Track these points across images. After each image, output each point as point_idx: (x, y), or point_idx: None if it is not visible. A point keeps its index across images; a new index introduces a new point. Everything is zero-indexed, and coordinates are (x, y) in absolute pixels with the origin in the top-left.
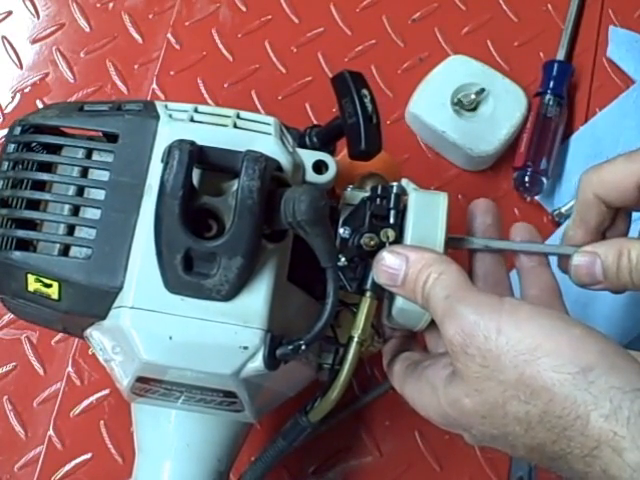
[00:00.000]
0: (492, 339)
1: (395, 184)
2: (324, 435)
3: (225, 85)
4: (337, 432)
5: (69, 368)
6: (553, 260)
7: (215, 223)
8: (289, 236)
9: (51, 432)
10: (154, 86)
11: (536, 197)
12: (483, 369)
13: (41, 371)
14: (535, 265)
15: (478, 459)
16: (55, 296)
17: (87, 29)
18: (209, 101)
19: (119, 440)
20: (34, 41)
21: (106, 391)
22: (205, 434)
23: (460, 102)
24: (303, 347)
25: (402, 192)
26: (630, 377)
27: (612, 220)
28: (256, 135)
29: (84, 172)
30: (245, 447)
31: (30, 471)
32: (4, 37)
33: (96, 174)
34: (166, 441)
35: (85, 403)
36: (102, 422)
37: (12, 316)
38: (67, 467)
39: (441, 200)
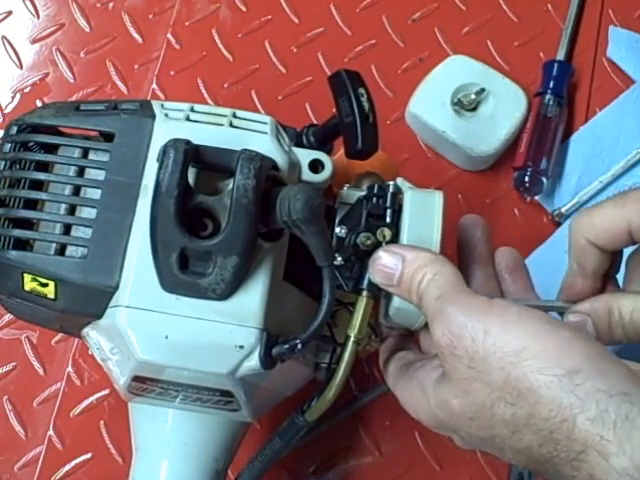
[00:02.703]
0: (479, 340)
1: (391, 183)
2: (324, 435)
3: (225, 85)
4: (337, 432)
5: (69, 368)
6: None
7: (211, 222)
8: (285, 235)
9: (51, 432)
10: (154, 86)
11: (536, 197)
12: (470, 370)
13: (41, 371)
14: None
15: (478, 459)
16: (51, 295)
17: (87, 29)
18: (209, 101)
19: (119, 440)
20: (34, 41)
21: (106, 391)
22: (202, 433)
23: (460, 102)
24: (299, 346)
25: (398, 191)
26: (617, 381)
27: (612, 262)
28: (252, 134)
29: (80, 171)
30: (245, 447)
31: (30, 471)
32: (4, 37)
33: (92, 173)
34: (163, 440)
35: (85, 403)
36: (102, 422)
37: (12, 316)
38: (67, 467)
39: (436, 199)
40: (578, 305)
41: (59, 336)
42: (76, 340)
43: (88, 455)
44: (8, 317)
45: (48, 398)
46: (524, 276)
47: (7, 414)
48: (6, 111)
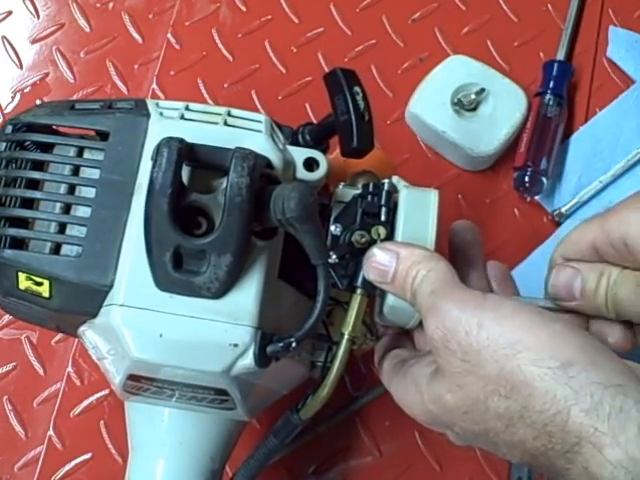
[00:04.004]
0: (473, 334)
1: (386, 181)
2: (324, 435)
3: (225, 85)
4: (337, 432)
5: (69, 368)
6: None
7: (205, 220)
8: (280, 234)
9: (51, 432)
10: (154, 86)
11: (536, 197)
12: (464, 364)
13: (41, 371)
14: None
15: (478, 459)
16: (46, 294)
17: (87, 29)
18: (209, 101)
19: (119, 440)
20: (34, 41)
21: (106, 391)
22: (198, 432)
23: (460, 102)
24: (294, 344)
25: (393, 189)
26: (611, 373)
27: None
28: (246, 132)
29: (75, 170)
30: (245, 446)
31: (30, 471)
32: (4, 37)
33: (87, 172)
34: (159, 439)
35: (85, 403)
36: (102, 422)
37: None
38: (67, 467)
39: (432, 197)
40: (573, 262)
41: (59, 336)
42: (76, 340)
43: (88, 455)
44: (8, 317)
45: (48, 398)
46: (511, 287)
47: (7, 414)
48: (6, 111)
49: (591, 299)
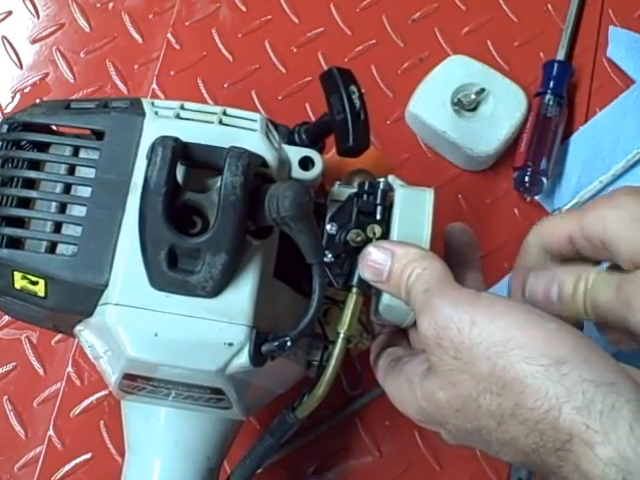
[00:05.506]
0: (465, 331)
1: (382, 180)
2: (324, 435)
3: (225, 85)
4: (337, 432)
5: (69, 368)
6: None
7: (199, 220)
8: (275, 232)
9: (51, 432)
10: (154, 86)
11: (536, 197)
12: (456, 361)
13: (41, 371)
14: None
15: (478, 459)
16: (41, 293)
17: (87, 29)
18: (209, 101)
19: (119, 440)
20: (34, 41)
21: (106, 391)
22: (194, 431)
23: (460, 102)
24: (289, 343)
25: (389, 188)
26: (603, 371)
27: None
28: (241, 132)
29: (71, 169)
30: (242, 445)
31: (30, 471)
32: (4, 37)
33: (83, 171)
34: (156, 439)
35: (85, 403)
36: (102, 422)
37: None
38: (67, 467)
39: (427, 196)
40: (551, 268)
41: (59, 336)
42: (76, 340)
43: (88, 455)
44: (8, 317)
45: (48, 398)
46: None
47: (7, 414)
48: (6, 111)
49: (569, 303)
